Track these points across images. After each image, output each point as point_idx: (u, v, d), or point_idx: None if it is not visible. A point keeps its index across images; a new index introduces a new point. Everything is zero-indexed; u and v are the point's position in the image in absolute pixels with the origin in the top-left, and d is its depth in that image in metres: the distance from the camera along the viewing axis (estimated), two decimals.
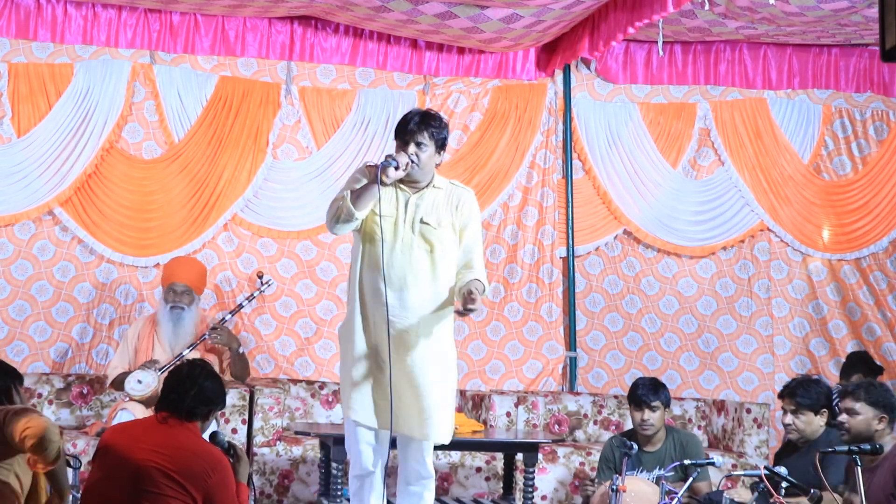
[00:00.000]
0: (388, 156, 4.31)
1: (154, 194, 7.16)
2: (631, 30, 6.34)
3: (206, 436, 4.17)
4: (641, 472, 5.47)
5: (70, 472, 4.37)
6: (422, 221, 4.40)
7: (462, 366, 7.43)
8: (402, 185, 4.43)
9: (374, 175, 4.27)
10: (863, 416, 4.55)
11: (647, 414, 5.56)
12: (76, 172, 6.99)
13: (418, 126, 4.37)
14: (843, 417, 4.60)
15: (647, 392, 5.57)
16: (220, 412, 4.24)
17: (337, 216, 4.32)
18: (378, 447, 4.53)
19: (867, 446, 4.42)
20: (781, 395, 5.19)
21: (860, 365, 7.01)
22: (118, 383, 6.28)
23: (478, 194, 7.37)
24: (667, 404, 5.66)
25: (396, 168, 4.28)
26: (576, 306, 7.62)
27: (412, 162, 4.33)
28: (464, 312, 4.30)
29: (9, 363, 4.30)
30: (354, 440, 4.53)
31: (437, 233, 4.41)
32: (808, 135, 7.85)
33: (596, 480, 5.60)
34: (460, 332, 7.46)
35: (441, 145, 4.44)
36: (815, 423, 5.07)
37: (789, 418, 5.10)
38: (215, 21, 7.26)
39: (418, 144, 4.37)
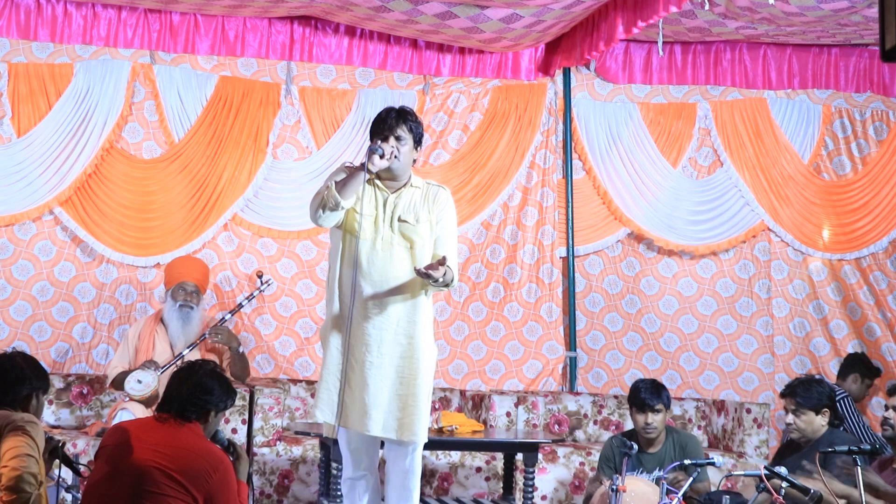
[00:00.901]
0: (374, 143, 4.38)
1: (154, 194, 7.16)
2: (635, 30, 6.33)
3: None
4: (641, 472, 5.46)
5: (70, 475, 4.31)
6: (400, 219, 4.44)
7: (462, 366, 7.43)
8: (380, 185, 4.48)
9: (358, 168, 4.34)
10: None
11: (651, 417, 5.55)
12: (76, 172, 6.99)
13: (396, 121, 4.43)
14: (889, 413, 4.65)
15: (649, 395, 5.55)
16: (222, 413, 4.20)
17: (323, 204, 4.34)
18: (365, 448, 4.54)
19: (867, 446, 4.44)
20: (783, 395, 5.22)
21: (858, 365, 7.04)
22: (118, 383, 6.29)
23: (478, 194, 7.51)
24: (668, 406, 5.65)
25: (382, 156, 4.34)
26: (576, 306, 7.61)
27: (394, 155, 4.37)
28: (423, 272, 4.25)
29: (44, 369, 4.10)
30: (342, 443, 4.55)
31: (416, 229, 4.45)
32: (808, 135, 7.84)
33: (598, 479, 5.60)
34: (460, 333, 7.46)
35: (418, 140, 4.51)
36: (815, 423, 5.08)
37: (790, 418, 5.12)
38: (215, 21, 7.25)
39: (398, 138, 4.43)
